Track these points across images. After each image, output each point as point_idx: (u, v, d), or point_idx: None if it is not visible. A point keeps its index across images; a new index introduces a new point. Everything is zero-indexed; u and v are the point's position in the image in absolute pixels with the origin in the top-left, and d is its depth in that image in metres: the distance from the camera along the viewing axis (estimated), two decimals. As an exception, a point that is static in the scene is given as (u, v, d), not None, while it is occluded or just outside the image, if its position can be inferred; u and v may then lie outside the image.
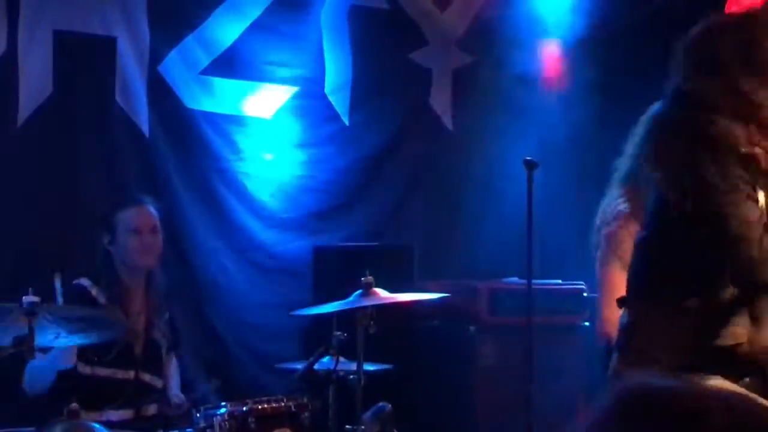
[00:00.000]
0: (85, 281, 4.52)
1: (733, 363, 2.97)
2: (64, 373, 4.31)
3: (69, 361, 4.25)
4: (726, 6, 6.24)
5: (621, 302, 3.20)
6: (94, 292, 4.50)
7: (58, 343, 3.86)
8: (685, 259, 3.01)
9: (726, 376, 2.88)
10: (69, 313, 3.80)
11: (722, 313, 2.98)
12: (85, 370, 4.42)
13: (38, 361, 4.22)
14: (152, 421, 4.56)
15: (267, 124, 5.98)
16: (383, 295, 4.12)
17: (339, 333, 4.12)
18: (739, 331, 2.98)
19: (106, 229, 4.57)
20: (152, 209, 4.66)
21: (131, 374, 4.51)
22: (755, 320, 3.00)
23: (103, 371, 4.45)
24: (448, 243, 6.35)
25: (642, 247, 3.16)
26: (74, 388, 4.24)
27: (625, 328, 3.12)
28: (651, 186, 3.10)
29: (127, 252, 4.54)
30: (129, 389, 4.49)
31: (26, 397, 4.35)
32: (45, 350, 4.14)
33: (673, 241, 3.04)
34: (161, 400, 4.65)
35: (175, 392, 4.77)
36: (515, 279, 5.72)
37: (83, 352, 4.36)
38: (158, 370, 4.63)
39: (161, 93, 5.65)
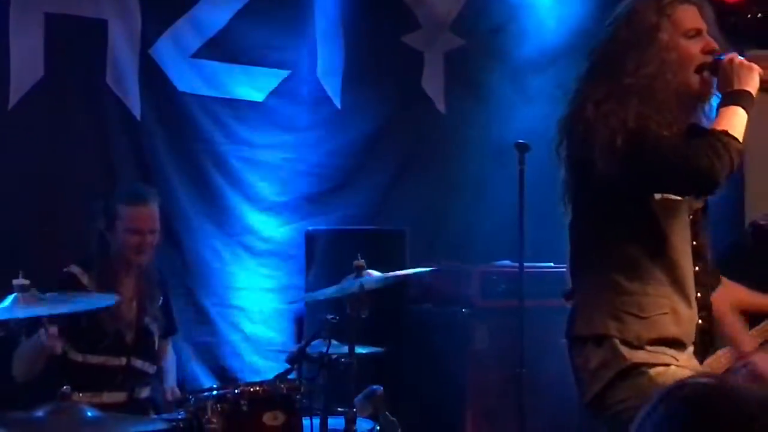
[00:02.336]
0: (75, 268, 4.50)
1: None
2: (56, 359, 4.30)
3: (55, 344, 4.19)
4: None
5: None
6: (84, 279, 4.48)
7: (43, 311, 3.81)
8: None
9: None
10: (60, 296, 3.78)
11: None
12: (77, 357, 4.42)
13: (23, 345, 4.24)
14: (145, 404, 4.58)
15: (259, 108, 5.97)
16: (375, 274, 4.14)
17: (331, 316, 4.11)
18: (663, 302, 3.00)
19: (104, 214, 4.54)
20: (155, 208, 4.61)
21: (123, 361, 4.51)
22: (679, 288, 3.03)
23: (94, 359, 4.45)
24: (441, 226, 6.35)
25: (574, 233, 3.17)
26: (66, 374, 4.23)
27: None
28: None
29: (123, 248, 4.52)
30: (121, 375, 4.49)
31: (16, 381, 4.35)
32: (30, 334, 4.13)
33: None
34: (154, 384, 4.66)
35: (171, 385, 4.77)
36: (507, 262, 5.72)
37: (74, 341, 4.35)
38: (150, 356, 4.63)
39: (153, 76, 5.63)
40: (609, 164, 2.90)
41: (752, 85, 2.98)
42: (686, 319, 3.03)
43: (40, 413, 3.35)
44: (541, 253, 5.79)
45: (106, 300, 4.02)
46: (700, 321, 3.10)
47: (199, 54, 5.77)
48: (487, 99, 6.30)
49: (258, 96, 5.96)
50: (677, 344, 2.99)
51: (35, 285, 3.56)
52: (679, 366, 2.94)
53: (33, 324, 3.95)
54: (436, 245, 6.23)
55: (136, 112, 5.57)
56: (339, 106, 6.19)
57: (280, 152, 6.01)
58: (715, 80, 3.03)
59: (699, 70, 3.03)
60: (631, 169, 2.91)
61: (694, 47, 3.03)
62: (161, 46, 5.65)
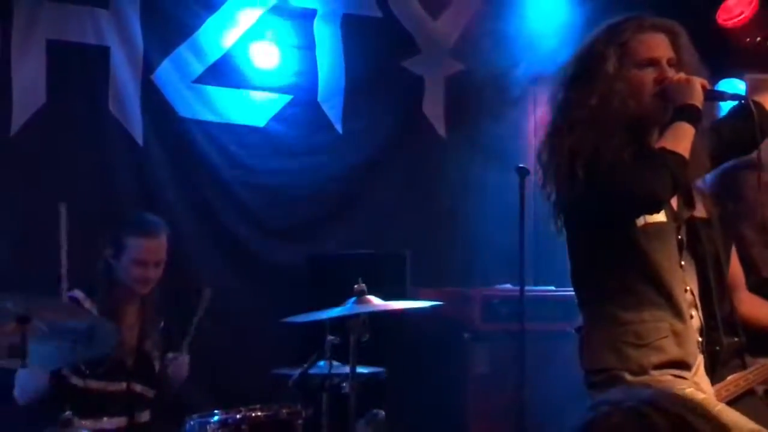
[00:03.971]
0: (78, 293, 4.51)
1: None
2: (57, 383, 4.31)
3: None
4: (717, 16, 6.29)
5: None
6: (87, 304, 4.49)
7: (52, 360, 3.85)
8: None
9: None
10: (62, 322, 3.79)
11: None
12: (78, 382, 4.42)
13: (22, 371, 4.24)
14: (145, 428, 4.58)
15: (260, 133, 5.99)
16: (376, 302, 4.13)
17: (332, 337, 4.12)
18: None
19: (112, 243, 4.54)
20: (164, 239, 4.61)
21: (123, 386, 4.51)
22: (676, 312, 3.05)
23: (94, 384, 4.44)
24: (442, 250, 6.35)
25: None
26: (67, 398, 4.24)
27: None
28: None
29: (127, 278, 4.53)
30: (121, 399, 4.50)
31: (18, 405, 4.35)
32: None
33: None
34: (155, 407, 4.66)
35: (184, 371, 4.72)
36: (508, 286, 5.73)
37: (76, 366, 4.36)
38: (150, 381, 4.63)
39: (155, 102, 5.66)
40: (574, 191, 2.97)
41: (693, 98, 3.01)
42: (686, 339, 3.04)
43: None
44: (542, 276, 5.81)
45: (110, 342, 4.03)
46: (705, 341, 3.12)
47: (200, 80, 5.80)
48: (487, 124, 6.32)
49: (259, 121, 5.99)
50: (682, 366, 3.00)
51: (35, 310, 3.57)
52: (682, 385, 2.95)
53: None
54: (437, 269, 6.23)
55: (139, 138, 5.60)
56: (340, 131, 6.21)
57: (281, 177, 6.03)
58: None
59: (657, 96, 3.06)
60: (591, 193, 2.96)
61: (648, 76, 3.07)
62: (163, 72, 5.69)
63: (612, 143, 2.98)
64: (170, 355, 4.67)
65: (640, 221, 3.02)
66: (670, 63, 3.08)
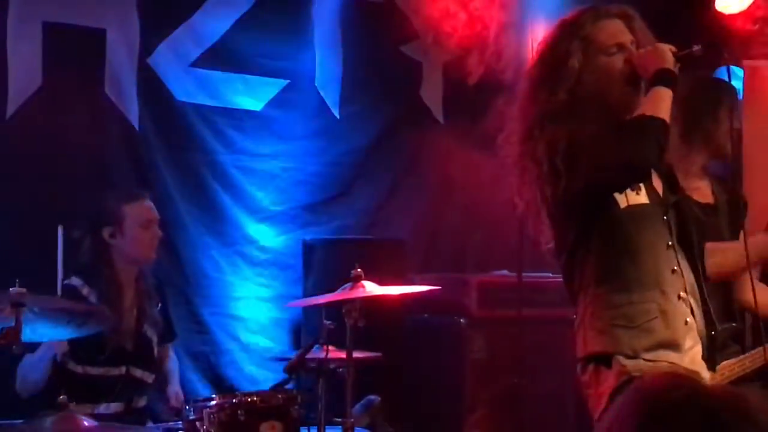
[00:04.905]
0: (75, 280, 4.49)
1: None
2: (56, 369, 4.30)
3: (59, 349, 4.23)
4: (715, 3, 6.27)
5: None
6: (84, 291, 4.47)
7: (45, 337, 3.84)
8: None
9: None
10: (56, 306, 3.77)
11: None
12: (77, 369, 4.40)
13: (27, 359, 4.23)
14: (142, 414, 4.57)
15: (257, 117, 5.97)
16: (372, 288, 4.12)
17: (328, 322, 4.11)
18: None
19: (109, 222, 4.54)
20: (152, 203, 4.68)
21: (122, 370, 4.50)
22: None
23: (94, 370, 4.44)
24: (439, 236, 6.35)
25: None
26: (65, 385, 4.22)
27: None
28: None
29: (136, 245, 4.53)
30: (120, 384, 4.49)
31: (18, 394, 4.34)
32: (33, 348, 4.14)
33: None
34: (151, 393, 4.65)
35: (176, 389, 4.75)
36: (505, 272, 5.72)
37: (74, 353, 4.35)
38: (149, 365, 4.62)
39: (151, 85, 5.63)
40: (558, 186, 2.99)
41: (665, 62, 3.04)
42: (674, 318, 3.04)
43: (38, 423, 3.34)
44: (539, 262, 5.78)
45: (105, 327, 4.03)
46: (699, 325, 3.11)
47: (197, 63, 5.77)
48: (485, 109, 6.29)
49: (256, 105, 5.97)
50: (672, 346, 3.01)
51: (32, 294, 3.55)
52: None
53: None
54: (435, 255, 6.22)
55: (135, 121, 5.57)
56: (338, 116, 6.20)
57: (278, 161, 6.01)
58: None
59: (628, 80, 3.10)
60: (576, 178, 2.97)
61: (617, 61, 3.10)
62: (160, 55, 5.66)
63: (587, 130, 3.01)
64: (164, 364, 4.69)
65: (623, 203, 3.04)
66: (632, 45, 3.13)
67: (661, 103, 3.00)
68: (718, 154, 3.84)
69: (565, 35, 3.12)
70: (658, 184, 3.14)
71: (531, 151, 3.05)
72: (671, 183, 3.21)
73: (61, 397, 3.44)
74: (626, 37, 3.13)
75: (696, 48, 3.11)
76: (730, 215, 3.68)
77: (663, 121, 2.98)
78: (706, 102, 3.00)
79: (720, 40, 5.54)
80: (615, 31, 3.13)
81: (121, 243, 4.53)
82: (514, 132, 3.15)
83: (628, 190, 3.05)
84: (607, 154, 2.97)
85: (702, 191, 3.83)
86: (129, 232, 4.52)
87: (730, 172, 3.22)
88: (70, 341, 4.21)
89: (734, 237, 3.66)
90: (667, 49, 3.06)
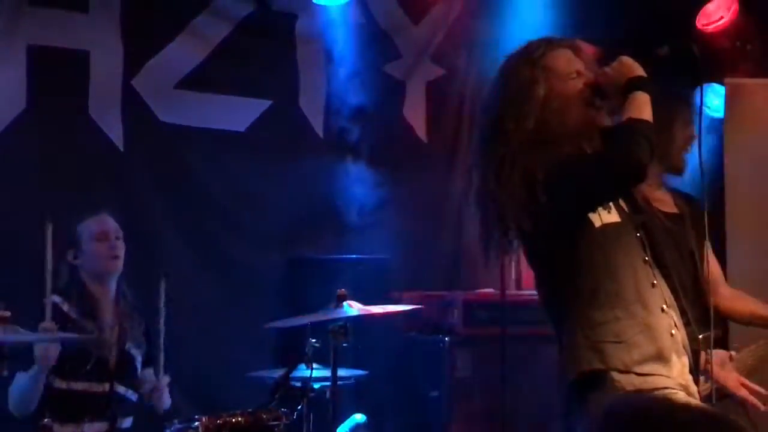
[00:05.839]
0: (56, 298, 4.49)
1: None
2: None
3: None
4: (696, 21, 6.32)
5: None
6: (65, 308, 4.48)
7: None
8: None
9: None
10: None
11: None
12: (61, 384, 4.39)
13: (21, 379, 4.21)
14: (128, 434, 4.56)
15: (241, 138, 5.98)
16: (357, 307, 4.13)
17: (313, 341, 4.12)
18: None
19: (71, 245, 4.56)
20: (110, 217, 4.67)
21: (106, 387, 4.49)
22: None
23: (78, 385, 4.42)
24: (423, 254, 6.36)
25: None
26: (49, 403, 4.22)
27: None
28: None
29: (94, 259, 4.55)
30: (104, 402, 4.48)
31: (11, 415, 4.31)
32: (23, 362, 4.13)
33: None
34: (137, 413, 4.64)
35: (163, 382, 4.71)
36: (490, 289, 5.74)
37: (58, 367, 4.34)
38: (133, 382, 4.61)
39: (135, 107, 5.64)
40: (539, 215, 2.99)
41: (634, 71, 3.09)
42: (658, 332, 3.06)
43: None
44: (523, 280, 5.81)
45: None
46: (683, 337, 3.14)
47: (181, 85, 5.79)
48: (468, 128, 6.33)
49: (240, 126, 5.98)
50: (660, 359, 3.03)
51: (16, 315, 3.55)
52: (671, 389, 2.97)
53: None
54: (419, 273, 6.23)
55: (119, 143, 5.58)
56: (321, 136, 6.22)
57: (262, 182, 6.02)
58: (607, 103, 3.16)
59: (589, 102, 3.13)
60: (562, 198, 2.99)
61: (578, 85, 3.15)
62: (144, 77, 5.67)
63: (563, 151, 3.04)
64: (148, 384, 4.66)
65: (597, 222, 3.07)
66: (586, 72, 3.19)
67: (643, 107, 3.03)
68: (672, 170, 3.95)
69: (525, 65, 3.16)
70: (623, 203, 3.19)
71: (506, 178, 3.05)
72: (633, 203, 3.24)
73: (46, 420, 3.44)
74: (581, 64, 3.19)
75: (662, 50, 3.16)
76: (695, 226, 3.73)
77: (648, 122, 3.02)
78: (657, 121, 3.03)
79: (684, 36, 5.59)
80: (570, 58, 3.19)
81: (82, 261, 4.56)
82: (482, 177, 3.16)
83: (600, 209, 3.08)
84: (603, 162, 3.01)
85: (665, 202, 3.94)
86: (86, 248, 4.55)
87: (703, 183, 3.25)
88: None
89: (699, 246, 3.71)
90: (630, 59, 3.11)
